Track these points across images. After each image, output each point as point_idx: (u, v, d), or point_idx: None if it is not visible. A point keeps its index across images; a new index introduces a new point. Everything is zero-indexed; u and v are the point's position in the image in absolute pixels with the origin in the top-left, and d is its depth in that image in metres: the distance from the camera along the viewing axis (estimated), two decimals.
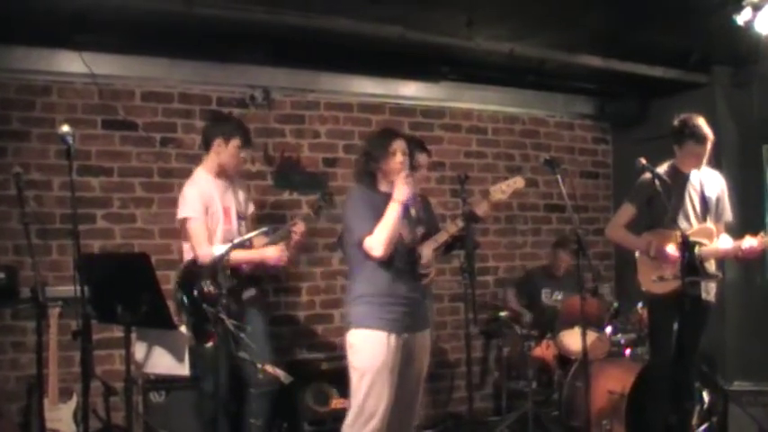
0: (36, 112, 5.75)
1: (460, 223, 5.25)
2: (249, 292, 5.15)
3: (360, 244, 4.13)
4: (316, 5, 5.41)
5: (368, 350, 4.09)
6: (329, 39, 5.88)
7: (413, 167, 4.36)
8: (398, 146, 4.24)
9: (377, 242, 4.07)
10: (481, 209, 5.06)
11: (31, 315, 4.66)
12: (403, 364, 4.20)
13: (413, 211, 4.38)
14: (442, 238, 5.39)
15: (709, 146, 5.12)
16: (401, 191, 4.10)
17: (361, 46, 6.12)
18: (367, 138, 4.67)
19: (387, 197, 4.16)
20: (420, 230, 4.50)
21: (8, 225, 5.53)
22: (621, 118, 8.02)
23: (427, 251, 5.40)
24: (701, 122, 5.11)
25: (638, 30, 6.11)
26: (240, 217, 5.24)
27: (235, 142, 5.12)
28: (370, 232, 4.09)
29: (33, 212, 5.06)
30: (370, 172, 4.28)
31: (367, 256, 4.14)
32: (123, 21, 5.29)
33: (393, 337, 4.11)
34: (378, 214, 4.11)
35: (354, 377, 4.15)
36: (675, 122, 5.18)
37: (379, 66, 6.68)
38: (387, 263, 4.16)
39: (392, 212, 4.08)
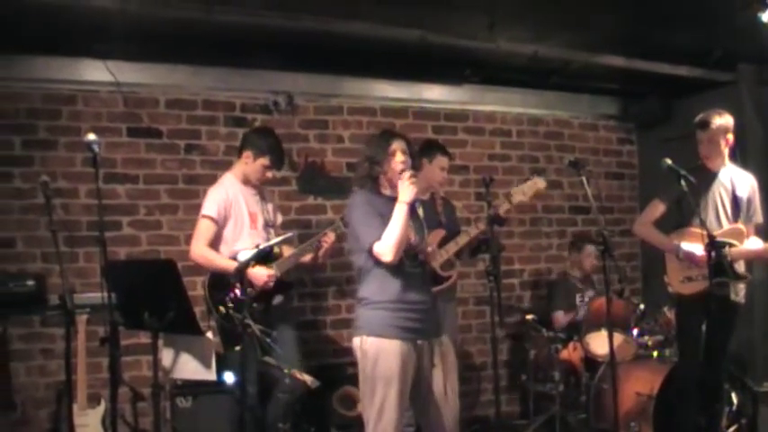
0: (62, 121, 5.82)
1: (482, 226, 5.25)
2: (278, 299, 5.17)
3: (369, 251, 4.03)
4: (335, 10, 5.42)
5: (382, 360, 3.98)
6: (350, 43, 5.89)
7: (415, 167, 4.25)
8: (398, 146, 4.13)
9: (387, 247, 3.96)
10: (502, 210, 5.07)
11: (60, 322, 4.72)
12: (422, 373, 4.10)
13: (420, 212, 4.30)
14: (462, 240, 5.40)
15: (712, 135, 5.13)
16: (406, 192, 3.99)
17: (383, 50, 6.11)
18: (366, 141, 4.57)
19: (390, 200, 4.05)
20: (428, 234, 4.42)
21: (36, 233, 5.60)
22: (646, 118, 7.96)
23: (445, 254, 5.42)
24: (714, 112, 5.15)
25: (661, 29, 6.07)
26: (268, 225, 5.28)
27: (263, 160, 5.17)
28: (378, 238, 3.98)
29: (60, 220, 5.10)
30: (372, 176, 4.16)
31: (377, 263, 4.04)
32: (145, 28, 5.32)
33: (407, 345, 4.02)
34: (383, 219, 4.01)
35: (368, 387, 4.04)
36: None
37: (401, 69, 6.68)
38: (396, 268, 4.05)
39: (399, 215, 3.97)
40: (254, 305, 4.77)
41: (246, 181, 5.24)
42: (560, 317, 6.77)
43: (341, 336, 6.60)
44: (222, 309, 4.77)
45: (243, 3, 5.24)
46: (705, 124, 5.13)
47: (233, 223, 5.14)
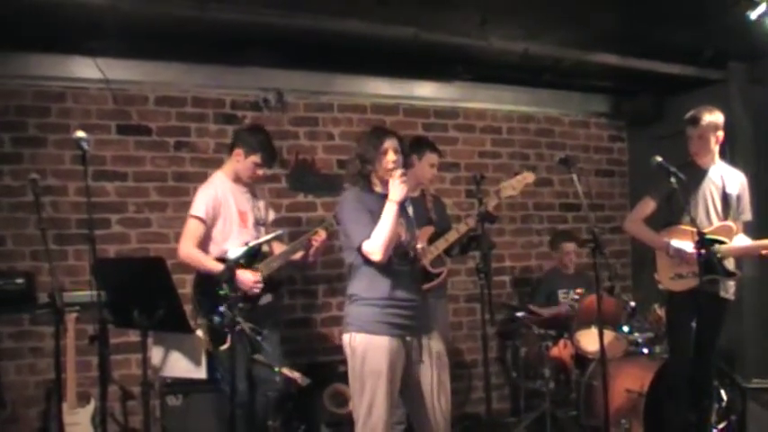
0: (52, 119, 5.80)
1: (471, 222, 5.26)
2: (266, 298, 5.15)
3: (359, 249, 4.03)
4: (328, 8, 5.41)
5: (371, 356, 3.99)
6: (342, 41, 5.88)
7: (406, 166, 4.25)
8: (390, 144, 4.12)
9: (376, 246, 3.96)
10: (491, 205, 5.07)
11: (49, 320, 4.71)
12: (411, 370, 4.11)
13: (410, 210, 4.29)
14: (452, 237, 5.40)
15: (698, 130, 5.14)
16: (397, 190, 3.99)
17: (375, 47, 6.10)
18: (357, 138, 4.56)
19: (382, 198, 4.04)
20: (418, 231, 4.41)
21: (25, 231, 5.58)
22: (637, 116, 7.97)
23: (435, 251, 5.42)
24: (704, 109, 5.16)
25: (653, 27, 6.08)
26: (259, 223, 5.25)
27: (254, 158, 5.12)
28: (368, 237, 3.98)
29: (50, 218, 5.10)
30: (363, 174, 4.17)
31: (366, 261, 4.05)
32: (136, 26, 5.29)
33: (396, 341, 4.02)
34: (374, 216, 4.01)
35: (357, 383, 4.05)
36: None
37: (392, 67, 6.67)
38: (386, 266, 4.05)
39: (389, 214, 3.97)
40: (240, 305, 4.76)
41: (237, 179, 5.20)
42: (534, 309, 6.83)
43: (332, 333, 6.59)
44: (214, 317, 4.76)
45: (238, 0, 5.23)
46: (695, 121, 5.14)
47: (222, 223, 5.09)
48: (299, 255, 5.24)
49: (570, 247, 6.91)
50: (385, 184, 4.10)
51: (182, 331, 4.24)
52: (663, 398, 5.40)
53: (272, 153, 5.30)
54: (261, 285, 4.96)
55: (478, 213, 4.90)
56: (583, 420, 5.99)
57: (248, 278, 4.90)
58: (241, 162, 5.14)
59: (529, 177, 5.22)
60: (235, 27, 5.44)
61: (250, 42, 5.84)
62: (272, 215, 5.45)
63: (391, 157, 4.12)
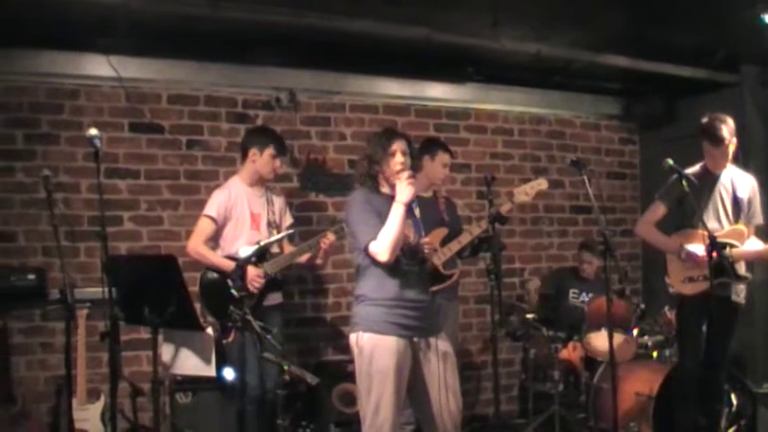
0: (64, 116, 5.82)
1: (484, 224, 5.26)
2: (272, 297, 5.20)
3: (365, 250, 4.03)
4: (340, 7, 5.41)
5: (378, 356, 3.98)
6: (354, 41, 5.88)
7: (415, 168, 4.25)
8: (398, 146, 4.14)
9: (382, 247, 3.96)
10: (504, 209, 5.07)
11: (60, 316, 4.70)
12: (418, 371, 4.11)
13: (417, 212, 4.26)
14: (465, 239, 5.41)
15: (725, 148, 5.05)
16: (404, 192, 3.99)
17: (387, 47, 6.11)
18: (367, 139, 4.60)
19: (389, 199, 4.05)
20: (424, 232, 4.39)
21: (37, 227, 5.61)
22: (648, 118, 7.95)
23: (448, 252, 5.42)
24: (722, 124, 5.03)
25: (665, 29, 6.06)
26: (272, 226, 5.32)
27: (270, 150, 5.27)
28: (374, 238, 3.98)
29: (62, 215, 5.10)
30: (371, 174, 4.18)
31: (374, 261, 4.04)
32: (148, 24, 5.32)
33: (403, 342, 4.02)
34: (381, 217, 4.01)
35: (364, 383, 4.05)
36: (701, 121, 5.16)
37: (404, 67, 6.68)
38: (394, 266, 4.05)
39: (395, 215, 3.97)
40: (248, 301, 4.80)
41: (254, 182, 5.33)
42: (533, 285, 6.97)
43: (341, 333, 6.59)
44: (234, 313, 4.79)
45: None
46: (719, 140, 5.02)
47: (233, 224, 5.24)
48: (305, 257, 5.30)
49: (587, 257, 6.86)
50: (392, 185, 4.11)
51: (192, 329, 4.24)
52: (672, 401, 5.38)
53: (283, 142, 5.47)
54: (262, 279, 5.04)
55: (490, 215, 4.90)
56: (591, 423, 5.97)
57: (250, 272, 5.00)
58: (258, 159, 5.27)
59: (543, 184, 5.23)
60: (246, 26, 5.46)
61: (262, 41, 5.86)
62: (288, 219, 5.50)
63: (399, 158, 4.13)
